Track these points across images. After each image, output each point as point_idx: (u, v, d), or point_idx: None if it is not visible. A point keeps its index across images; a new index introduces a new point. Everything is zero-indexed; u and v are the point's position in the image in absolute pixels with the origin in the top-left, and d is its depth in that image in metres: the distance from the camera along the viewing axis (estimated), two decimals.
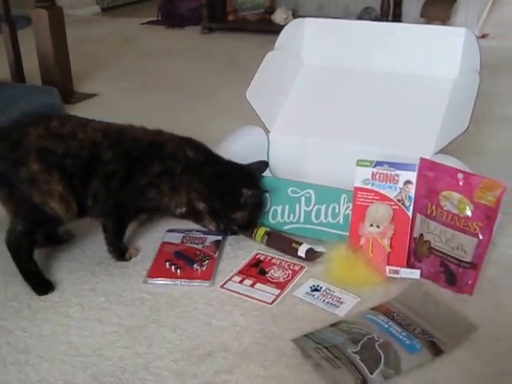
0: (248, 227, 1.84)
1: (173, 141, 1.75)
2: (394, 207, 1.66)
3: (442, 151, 1.85)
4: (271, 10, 5.13)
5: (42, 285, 1.67)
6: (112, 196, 1.69)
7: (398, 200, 1.66)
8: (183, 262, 1.73)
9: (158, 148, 1.73)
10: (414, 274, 1.65)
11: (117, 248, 1.78)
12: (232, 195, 1.75)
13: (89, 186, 1.67)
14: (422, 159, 1.65)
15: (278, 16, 4.92)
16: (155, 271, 1.70)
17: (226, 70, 3.87)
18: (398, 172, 1.66)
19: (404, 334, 1.40)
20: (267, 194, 1.86)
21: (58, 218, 1.64)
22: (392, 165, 1.67)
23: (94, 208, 1.71)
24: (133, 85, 3.56)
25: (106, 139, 1.68)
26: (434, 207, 1.62)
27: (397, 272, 1.65)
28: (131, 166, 1.68)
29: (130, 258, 1.78)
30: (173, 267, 1.70)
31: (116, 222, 1.77)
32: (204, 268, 1.70)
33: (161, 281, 1.67)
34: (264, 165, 1.89)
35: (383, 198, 1.67)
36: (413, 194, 1.65)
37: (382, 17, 4.59)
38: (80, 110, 3.14)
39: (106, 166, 1.66)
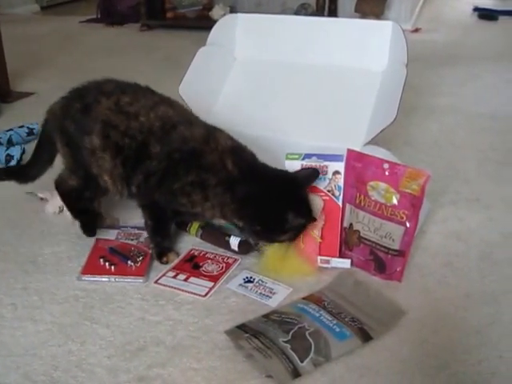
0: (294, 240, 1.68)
1: (216, 152, 1.62)
2: (324, 198, 1.69)
3: (374, 142, 1.88)
4: (209, 6, 5.16)
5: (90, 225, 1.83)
6: (149, 193, 1.68)
7: (328, 190, 1.68)
8: (117, 258, 1.72)
9: (197, 157, 1.62)
10: (345, 263, 1.68)
11: (156, 246, 1.75)
12: (275, 220, 1.61)
13: (136, 173, 1.66)
14: (349, 150, 1.67)
15: (216, 13, 4.94)
16: (89, 268, 1.69)
17: (164, 67, 3.86)
18: (326, 163, 1.68)
19: (334, 322, 1.43)
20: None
21: (108, 190, 1.73)
22: (320, 156, 1.69)
23: (136, 198, 1.73)
24: (71, 83, 3.44)
25: (160, 130, 1.64)
26: (362, 197, 1.65)
27: (328, 262, 1.67)
28: (169, 167, 1.63)
29: (167, 263, 1.72)
30: (107, 264, 1.70)
31: (152, 219, 1.74)
32: (138, 264, 1.70)
33: (95, 278, 1.66)
34: (314, 174, 1.67)
35: (313, 190, 1.69)
36: (342, 184, 1.67)
37: (318, 12, 4.65)
38: (17, 109, 3.10)
39: (151, 161, 1.63)
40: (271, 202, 1.61)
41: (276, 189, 1.62)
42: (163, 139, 1.63)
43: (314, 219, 1.63)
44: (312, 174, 1.67)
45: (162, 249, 1.75)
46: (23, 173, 1.93)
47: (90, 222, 1.83)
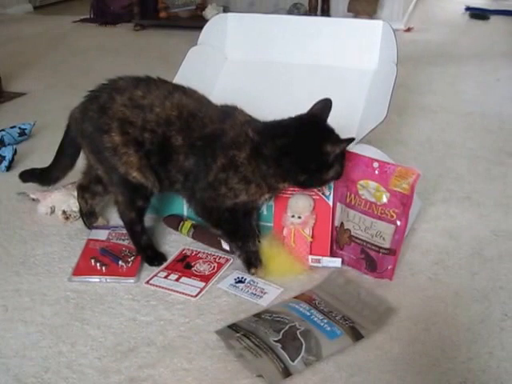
0: (342, 175, 1.61)
1: (235, 127, 1.60)
2: (314, 197, 1.69)
3: (366, 140, 1.88)
4: (202, 6, 5.16)
5: (154, 257, 1.75)
6: (188, 193, 1.68)
7: (318, 190, 1.68)
8: (109, 258, 1.72)
9: (219, 137, 1.59)
10: (336, 262, 1.68)
11: (244, 252, 1.69)
12: (316, 158, 1.55)
13: (168, 169, 1.65)
14: None
15: (209, 12, 4.94)
16: (80, 269, 1.69)
17: (157, 67, 3.82)
18: None
19: (325, 321, 1.43)
20: None
21: (144, 186, 1.68)
22: None
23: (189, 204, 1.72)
24: (63, 83, 3.52)
25: (178, 120, 1.62)
26: (352, 196, 1.65)
27: (319, 261, 1.68)
28: (197, 161, 1.61)
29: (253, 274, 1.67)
30: (98, 264, 1.69)
31: (216, 226, 1.70)
32: (129, 264, 1.70)
33: (86, 278, 1.66)
34: (327, 104, 1.63)
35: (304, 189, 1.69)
36: (332, 184, 1.67)
37: (311, 12, 4.65)
38: (8, 110, 3.09)
39: (178, 155, 1.62)
40: (304, 143, 1.56)
41: (302, 131, 1.58)
42: (183, 130, 1.62)
43: (352, 140, 1.57)
44: (325, 106, 1.63)
45: (250, 254, 1.69)
46: (45, 175, 1.96)
47: (154, 254, 1.76)
